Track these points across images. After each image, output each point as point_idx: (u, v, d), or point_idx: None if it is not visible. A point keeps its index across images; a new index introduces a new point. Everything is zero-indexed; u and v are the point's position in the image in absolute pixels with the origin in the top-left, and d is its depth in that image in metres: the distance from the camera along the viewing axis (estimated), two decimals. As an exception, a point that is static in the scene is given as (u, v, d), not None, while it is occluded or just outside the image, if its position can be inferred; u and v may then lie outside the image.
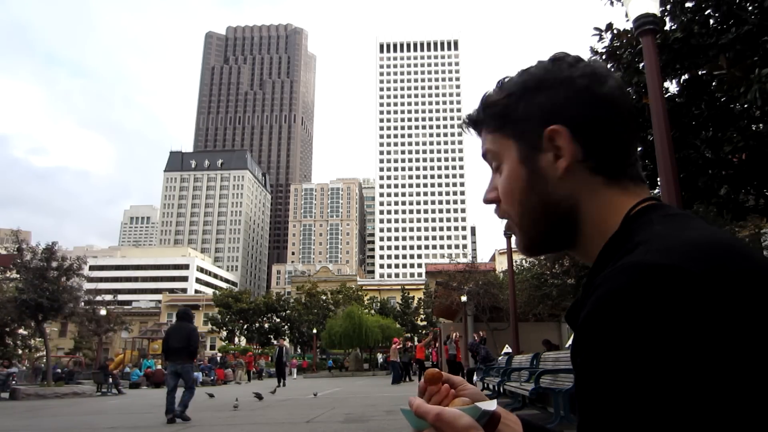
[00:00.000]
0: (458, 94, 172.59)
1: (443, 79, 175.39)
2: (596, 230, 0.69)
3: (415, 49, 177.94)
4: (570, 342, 14.43)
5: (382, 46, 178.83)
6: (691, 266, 0.49)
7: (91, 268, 78.20)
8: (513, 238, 0.77)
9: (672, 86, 6.73)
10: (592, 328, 0.52)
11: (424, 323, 54.74)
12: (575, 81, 0.71)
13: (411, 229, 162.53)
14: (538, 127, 0.71)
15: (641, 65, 6.31)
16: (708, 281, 0.48)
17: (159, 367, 29.82)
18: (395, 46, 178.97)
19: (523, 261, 25.74)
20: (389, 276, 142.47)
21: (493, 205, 0.78)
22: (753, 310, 0.47)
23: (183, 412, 8.81)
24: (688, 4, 6.09)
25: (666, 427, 0.45)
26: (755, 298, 0.48)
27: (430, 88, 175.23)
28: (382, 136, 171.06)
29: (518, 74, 0.76)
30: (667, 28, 6.17)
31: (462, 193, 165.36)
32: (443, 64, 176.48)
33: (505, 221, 0.79)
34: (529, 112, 0.73)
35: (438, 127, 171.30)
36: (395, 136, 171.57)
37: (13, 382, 19.80)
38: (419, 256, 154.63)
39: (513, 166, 0.74)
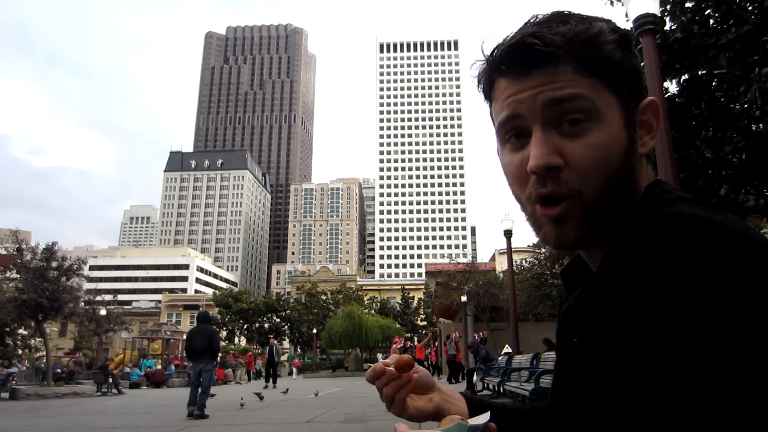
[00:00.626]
0: (458, 94, 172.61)
1: (443, 79, 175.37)
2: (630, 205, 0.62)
3: (415, 49, 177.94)
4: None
5: (382, 46, 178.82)
6: (742, 229, 0.46)
7: (91, 268, 78.23)
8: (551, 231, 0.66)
9: (672, 86, 6.73)
10: (641, 278, 0.45)
11: (424, 323, 54.76)
12: (634, 54, 0.63)
13: (411, 229, 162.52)
14: (640, 93, 0.62)
15: (641, 65, 6.31)
16: (744, 243, 0.45)
17: (159, 367, 29.82)
18: (395, 46, 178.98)
19: (523, 261, 25.76)
20: (389, 276, 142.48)
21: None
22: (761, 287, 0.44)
23: (202, 410, 9.44)
24: (688, 4, 6.10)
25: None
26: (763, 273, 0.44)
27: (430, 88, 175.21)
28: (382, 136, 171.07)
29: (610, 26, 0.61)
30: (667, 28, 6.17)
31: (462, 193, 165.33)
32: (443, 64, 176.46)
33: (550, 202, 0.61)
34: (637, 71, 0.62)
35: (438, 127, 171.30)
36: (395, 136, 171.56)
37: (13, 382, 19.80)
38: (419, 256, 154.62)
39: (616, 129, 0.59)
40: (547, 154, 0.58)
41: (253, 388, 17.81)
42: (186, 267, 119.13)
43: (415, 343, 30.70)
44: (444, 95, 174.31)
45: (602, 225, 0.61)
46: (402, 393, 0.75)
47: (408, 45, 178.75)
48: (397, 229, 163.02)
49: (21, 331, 26.75)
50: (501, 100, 0.63)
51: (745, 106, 5.54)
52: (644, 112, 0.62)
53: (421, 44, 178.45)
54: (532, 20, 0.63)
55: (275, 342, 25.25)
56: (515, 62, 0.61)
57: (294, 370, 36.08)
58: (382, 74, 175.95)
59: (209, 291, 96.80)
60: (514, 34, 0.62)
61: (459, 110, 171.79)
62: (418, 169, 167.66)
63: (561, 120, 0.59)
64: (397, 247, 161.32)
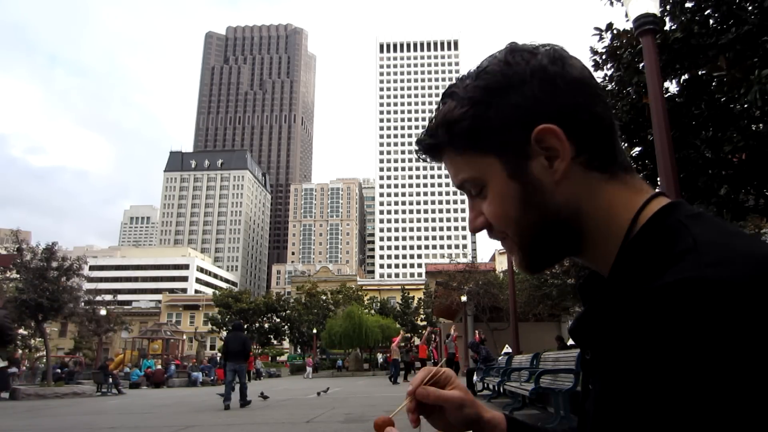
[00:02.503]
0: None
1: (443, 79, 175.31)
2: (605, 233, 0.62)
3: (415, 49, 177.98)
4: (569, 341, 14.41)
5: (382, 46, 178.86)
6: (752, 282, 0.45)
7: (91, 268, 78.19)
8: (512, 258, 0.73)
9: (672, 86, 6.73)
10: (644, 341, 0.46)
11: (424, 323, 54.77)
12: (547, 69, 0.62)
13: (411, 229, 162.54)
14: (521, 132, 0.62)
15: (641, 65, 6.32)
16: None
17: (159, 367, 29.81)
18: (395, 46, 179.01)
19: (523, 261, 25.76)
20: (389, 276, 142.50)
21: (483, 232, 0.68)
22: None
23: (245, 399, 11.51)
24: (688, 4, 6.09)
25: None
26: None
27: (430, 88, 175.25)
28: (382, 136, 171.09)
29: (474, 77, 0.65)
30: (667, 28, 6.17)
31: (462, 193, 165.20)
32: (443, 64, 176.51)
33: (499, 242, 0.70)
34: (504, 117, 0.62)
35: None
36: (395, 136, 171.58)
37: (13, 383, 19.79)
38: (419, 256, 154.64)
39: (501, 185, 0.64)
40: (474, 218, 0.68)
41: (256, 388, 17.81)
42: (186, 267, 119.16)
43: (416, 342, 30.70)
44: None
45: (554, 248, 0.65)
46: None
47: (408, 45, 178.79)
48: (397, 229, 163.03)
49: (21, 331, 26.75)
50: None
51: (745, 106, 5.54)
52: (541, 140, 0.61)
53: (421, 44, 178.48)
54: (432, 112, 0.70)
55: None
56: (425, 159, 0.72)
57: (309, 369, 35.86)
58: (382, 74, 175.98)
59: (209, 291, 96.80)
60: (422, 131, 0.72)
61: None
62: (418, 169, 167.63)
63: (471, 192, 0.68)
64: (397, 247, 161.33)
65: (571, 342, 13.04)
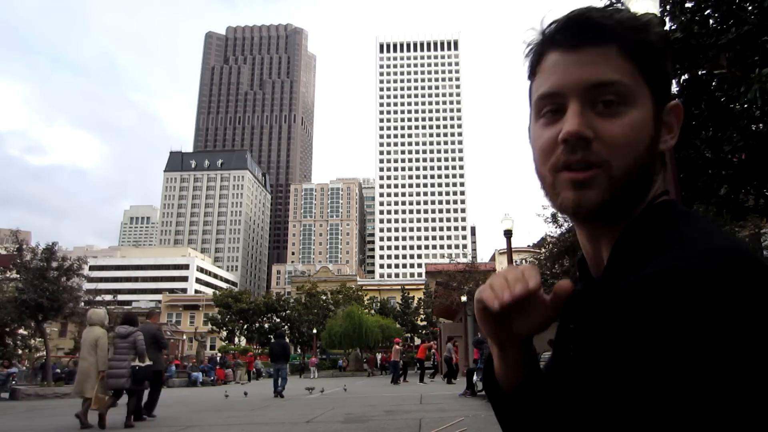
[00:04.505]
0: (458, 94, 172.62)
1: (443, 79, 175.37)
2: (637, 211, 0.65)
3: (415, 49, 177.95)
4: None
5: (382, 46, 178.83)
6: (731, 270, 0.49)
7: (91, 268, 78.11)
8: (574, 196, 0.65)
9: (672, 86, 6.73)
10: (632, 326, 0.49)
11: (424, 323, 54.77)
12: (671, 56, 0.65)
13: (411, 229, 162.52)
14: (669, 92, 0.65)
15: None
16: (749, 285, 0.48)
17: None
18: (395, 46, 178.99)
19: (524, 261, 25.75)
20: (389, 276, 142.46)
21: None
22: None
23: (281, 393, 14.55)
24: (688, 4, 6.09)
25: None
26: None
27: (430, 88, 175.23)
28: (382, 136, 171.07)
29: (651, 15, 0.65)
30: (667, 28, 6.17)
31: (462, 193, 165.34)
32: (443, 64, 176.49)
33: (574, 168, 0.63)
34: (667, 69, 0.64)
35: (438, 127, 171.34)
36: (395, 136, 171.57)
37: (13, 382, 19.79)
38: (419, 256, 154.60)
39: (646, 115, 0.63)
40: (581, 124, 0.61)
41: (255, 388, 17.80)
42: (186, 267, 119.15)
43: (416, 342, 30.70)
44: (444, 95, 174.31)
45: (623, 201, 0.63)
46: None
47: (408, 45, 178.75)
48: (397, 229, 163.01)
49: (21, 331, 26.73)
50: (545, 74, 0.65)
51: (745, 106, 5.55)
52: (669, 114, 0.66)
53: (421, 44, 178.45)
54: (582, 8, 0.66)
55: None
56: (569, 35, 0.64)
57: (313, 369, 35.56)
58: (382, 74, 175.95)
59: (209, 291, 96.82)
60: (571, 11, 0.66)
61: (459, 110, 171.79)
62: (418, 169, 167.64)
63: (597, 100, 0.62)
64: (397, 247, 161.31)
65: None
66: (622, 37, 0.62)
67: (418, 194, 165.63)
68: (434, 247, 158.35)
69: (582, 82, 0.62)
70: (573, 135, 0.61)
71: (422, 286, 57.26)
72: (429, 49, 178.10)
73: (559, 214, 17.17)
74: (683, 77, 6.54)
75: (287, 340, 17.87)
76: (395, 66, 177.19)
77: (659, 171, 0.67)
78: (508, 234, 16.37)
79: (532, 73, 0.69)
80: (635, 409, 0.48)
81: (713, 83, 5.97)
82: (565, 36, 0.64)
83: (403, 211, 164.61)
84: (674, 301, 0.48)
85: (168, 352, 36.06)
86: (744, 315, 0.46)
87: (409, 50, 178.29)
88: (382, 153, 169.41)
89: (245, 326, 54.62)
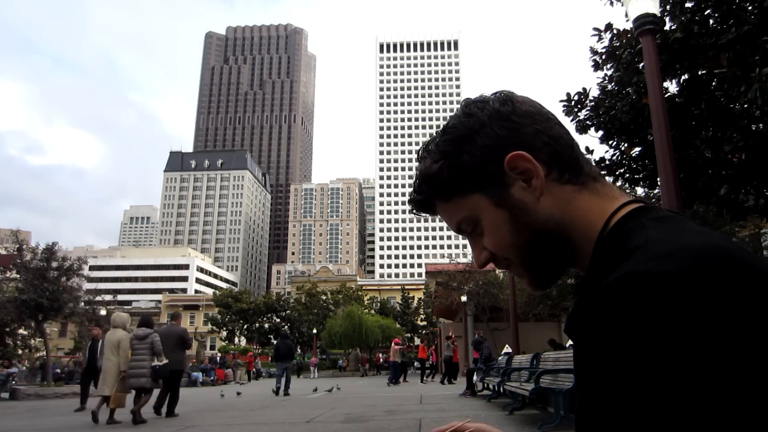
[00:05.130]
0: (458, 94, 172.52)
1: (443, 79, 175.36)
2: (586, 239, 0.67)
3: (415, 49, 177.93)
4: (569, 342, 14.39)
5: (382, 46, 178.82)
6: (690, 273, 0.48)
7: (91, 268, 78.10)
8: (522, 282, 0.77)
9: (672, 86, 6.73)
10: (594, 334, 0.50)
11: (424, 323, 54.75)
12: (500, 111, 0.71)
13: (411, 229, 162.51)
14: (495, 165, 0.69)
15: (641, 65, 6.31)
16: (707, 287, 0.47)
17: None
18: (395, 46, 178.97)
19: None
20: (389, 276, 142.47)
21: (490, 265, 0.74)
22: (752, 313, 0.47)
23: (287, 390, 15.48)
24: (688, 4, 6.09)
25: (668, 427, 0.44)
26: (753, 301, 0.47)
27: (430, 88, 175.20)
28: (382, 136, 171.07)
29: (441, 134, 0.75)
30: (667, 28, 6.16)
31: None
32: (443, 64, 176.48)
33: (506, 270, 0.75)
34: (476, 158, 0.70)
35: (438, 127, 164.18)
36: (395, 136, 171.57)
37: (13, 382, 19.79)
38: (419, 256, 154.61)
39: (492, 216, 0.70)
40: (478, 255, 0.74)
41: (255, 388, 17.78)
42: (186, 267, 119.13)
43: (416, 342, 30.68)
44: (444, 95, 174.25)
45: (554, 260, 0.70)
46: None
47: (408, 45, 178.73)
48: (397, 229, 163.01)
49: (21, 331, 26.73)
50: None
51: (745, 106, 5.54)
52: (515, 168, 0.68)
53: (421, 44, 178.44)
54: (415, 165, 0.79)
55: (100, 332, 12.72)
56: (419, 213, 0.79)
57: (313, 369, 35.58)
58: (382, 74, 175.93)
59: (209, 291, 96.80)
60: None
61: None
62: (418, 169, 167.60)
63: (468, 232, 0.75)
64: (397, 247, 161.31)
65: (570, 343, 13.02)
66: (433, 197, 0.74)
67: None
68: (434, 247, 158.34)
69: (453, 227, 0.76)
70: (481, 266, 0.76)
71: (422, 286, 57.24)
72: (429, 49, 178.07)
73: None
74: (683, 77, 6.54)
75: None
76: (395, 66, 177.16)
77: (577, 196, 0.69)
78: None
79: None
80: (595, 419, 0.49)
81: (713, 83, 5.97)
82: (418, 215, 0.81)
83: (403, 211, 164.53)
84: (627, 309, 0.48)
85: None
86: (697, 320, 0.46)
87: (409, 50, 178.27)
88: (382, 153, 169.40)
89: (245, 326, 54.60)
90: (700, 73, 6.19)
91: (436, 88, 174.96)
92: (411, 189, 0.78)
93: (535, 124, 0.70)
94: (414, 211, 0.79)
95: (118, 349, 8.69)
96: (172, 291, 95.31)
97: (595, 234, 0.66)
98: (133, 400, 8.57)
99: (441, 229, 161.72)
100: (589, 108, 7.15)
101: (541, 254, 0.70)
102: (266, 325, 54.30)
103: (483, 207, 0.71)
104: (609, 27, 6.85)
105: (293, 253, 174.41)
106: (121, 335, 8.85)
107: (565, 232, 0.69)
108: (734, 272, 0.49)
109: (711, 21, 5.93)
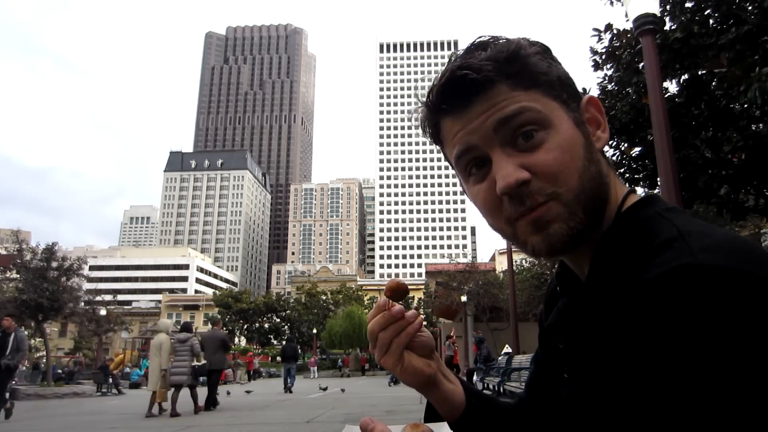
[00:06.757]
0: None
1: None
2: (607, 213, 0.62)
3: (415, 49, 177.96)
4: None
5: (382, 46, 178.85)
6: (748, 269, 0.45)
7: (91, 268, 78.13)
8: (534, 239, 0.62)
9: (672, 86, 6.73)
10: (658, 331, 0.45)
11: (425, 323, 54.71)
12: (558, 61, 0.65)
13: (411, 229, 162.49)
14: (576, 95, 0.63)
15: (641, 65, 6.31)
16: (765, 283, 0.44)
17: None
18: (395, 46, 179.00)
19: (524, 261, 25.75)
20: (389, 276, 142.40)
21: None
22: None
23: (290, 388, 16.96)
24: (688, 4, 6.09)
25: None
26: None
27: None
28: (382, 136, 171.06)
29: (519, 38, 0.63)
30: (667, 28, 6.17)
31: (462, 193, 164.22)
32: (443, 64, 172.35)
33: (526, 209, 0.59)
34: (561, 74, 0.63)
35: None
36: (395, 136, 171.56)
37: (13, 382, 19.77)
38: (419, 256, 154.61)
39: (570, 131, 0.60)
40: (513, 170, 0.58)
41: (255, 388, 17.79)
42: (186, 267, 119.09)
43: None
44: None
45: (588, 222, 0.60)
46: (402, 337, 0.69)
47: (408, 45, 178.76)
48: (397, 229, 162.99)
49: (21, 331, 26.72)
50: (451, 138, 0.63)
51: (745, 105, 5.54)
52: (587, 110, 0.64)
53: (421, 44, 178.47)
54: (452, 58, 0.64)
55: (13, 324, 10.44)
56: (454, 97, 0.61)
57: (313, 369, 35.57)
58: (382, 74, 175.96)
59: (209, 291, 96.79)
60: (442, 72, 0.63)
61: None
62: (418, 169, 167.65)
63: (515, 136, 0.59)
64: (397, 247, 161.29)
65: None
66: (505, 74, 0.60)
67: (418, 194, 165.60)
68: (434, 247, 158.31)
69: (490, 126, 0.59)
70: (510, 187, 0.57)
71: (422, 286, 57.19)
72: (429, 49, 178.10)
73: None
74: (683, 77, 6.54)
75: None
76: (395, 66, 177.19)
77: (609, 169, 0.64)
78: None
79: (438, 141, 0.67)
80: (670, 418, 0.43)
81: (713, 83, 5.97)
82: (451, 100, 0.62)
83: (403, 211, 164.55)
84: (690, 303, 0.44)
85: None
86: (758, 310, 0.43)
87: (409, 50, 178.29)
88: (382, 153, 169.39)
89: (245, 326, 54.60)
90: (700, 73, 6.19)
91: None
92: (454, 64, 0.62)
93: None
94: (461, 79, 0.60)
95: (160, 350, 9.73)
96: (172, 291, 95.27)
97: (613, 212, 0.61)
98: (171, 396, 9.55)
99: (441, 229, 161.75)
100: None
101: (591, 204, 0.60)
102: (266, 325, 54.30)
103: (561, 118, 0.60)
104: (609, 27, 6.85)
105: (293, 253, 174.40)
106: (162, 338, 9.93)
107: (607, 195, 0.62)
108: None
109: (711, 21, 5.93)
